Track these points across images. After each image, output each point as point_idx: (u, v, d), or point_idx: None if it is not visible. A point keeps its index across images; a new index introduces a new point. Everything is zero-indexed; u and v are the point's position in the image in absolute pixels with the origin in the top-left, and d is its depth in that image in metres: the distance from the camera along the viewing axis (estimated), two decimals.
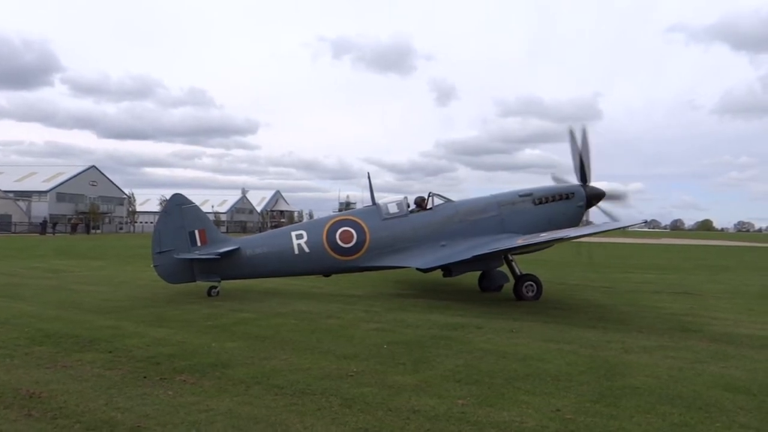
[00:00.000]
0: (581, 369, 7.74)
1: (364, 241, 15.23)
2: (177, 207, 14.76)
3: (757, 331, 10.92)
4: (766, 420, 5.80)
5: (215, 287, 14.73)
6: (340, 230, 15.18)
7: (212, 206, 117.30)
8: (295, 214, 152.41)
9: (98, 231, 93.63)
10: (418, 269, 15.16)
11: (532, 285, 15.07)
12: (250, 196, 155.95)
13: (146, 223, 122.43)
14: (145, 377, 7.18)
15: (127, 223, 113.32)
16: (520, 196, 16.28)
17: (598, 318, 12.10)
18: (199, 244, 14.57)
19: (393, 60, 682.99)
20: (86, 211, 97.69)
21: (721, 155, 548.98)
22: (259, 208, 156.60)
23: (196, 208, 15.07)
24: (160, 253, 14.47)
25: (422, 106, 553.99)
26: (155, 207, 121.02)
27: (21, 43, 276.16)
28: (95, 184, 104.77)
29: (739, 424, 5.68)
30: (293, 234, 15.22)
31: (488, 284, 16.63)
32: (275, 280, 16.64)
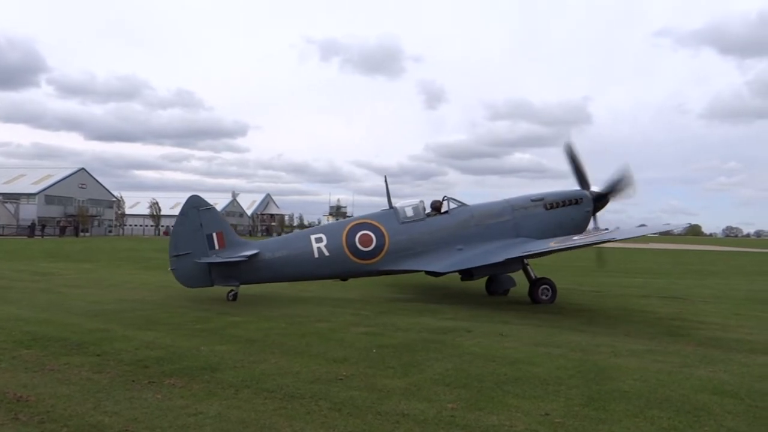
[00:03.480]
0: (570, 373, 7.76)
1: (384, 244, 15.09)
2: (194, 209, 14.40)
3: (745, 335, 10.99)
4: (753, 424, 5.84)
5: (233, 291, 14.42)
6: (359, 233, 15.02)
7: None
8: (286, 217, 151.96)
9: (87, 234, 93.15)
10: (430, 272, 15.26)
11: (547, 288, 15.30)
12: (240, 199, 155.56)
13: (135, 226, 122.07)
14: (133, 381, 7.14)
15: (116, 226, 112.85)
16: (532, 200, 16.43)
17: (587, 322, 12.15)
18: (216, 247, 14.21)
19: (381, 62, 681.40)
20: (75, 213, 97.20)
21: (709, 160, 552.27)
22: (249, 212, 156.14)
23: (214, 211, 14.76)
24: (176, 256, 14.14)
25: (411, 108, 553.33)
26: (145, 210, 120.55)
27: (6, 42, 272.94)
28: (84, 186, 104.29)
29: (727, 428, 5.71)
30: (312, 237, 14.97)
31: (496, 288, 16.76)
32: (265, 284, 16.56)
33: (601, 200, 16.95)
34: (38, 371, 7.56)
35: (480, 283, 16.70)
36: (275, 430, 5.55)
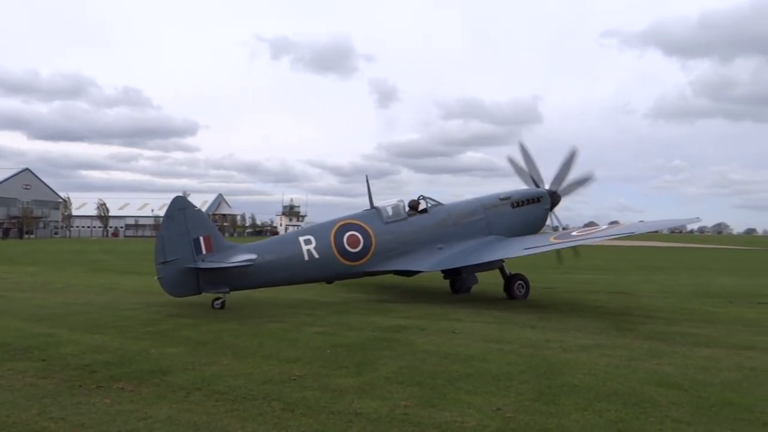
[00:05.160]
0: (521, 368, 7.87)
1: (370, 245, 14.96)
2: (181, 211, 13.25)
3: (689, 328, 11.31)
4: (697, 414, 6.01)
5: (219, 299, 13.49)
6: (347, 234, 14.80)
7: (152, 210, 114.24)
8: (238, 217, 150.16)
9: (32, 236, 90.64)
10: (407, 272, 15.42)
11: (522, 284, 15.81)
12: (191, 199, 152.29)
13: (83, 227, 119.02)
14: (80, 386, 6.98)
15: (62, 227, 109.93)
16: (501, 199, 16.93)
17: (538, 318, 12.34)
18: (204, 252, 13.19)
19: (333, 60, 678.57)
20: (19, 215, 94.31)
21: (654, 159, 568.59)
22: None
23: (201, 213, 13.86)
24: (164, 263, 12.94)
25: (364, 107, 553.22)
26: (92, 211, 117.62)
27: None
28: (29, 187, 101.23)
29: (671, 418, 5.86)
30: (301, 239, 14.51)
31: (460, 286, 16.98)
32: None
33: (555, 198, 17.55)
34: None
35: (436, 282, 16.82)
36: None
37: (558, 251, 16.43)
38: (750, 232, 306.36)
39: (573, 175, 17.69)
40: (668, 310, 13.97)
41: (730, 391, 6.82)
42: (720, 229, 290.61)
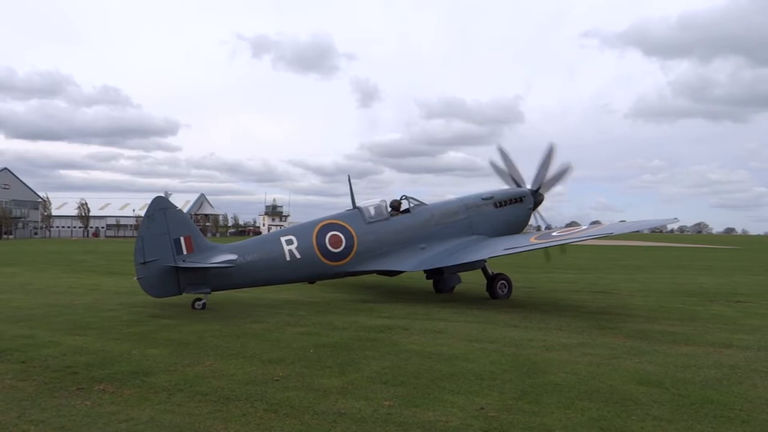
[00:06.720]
0: (504, 367, 7.91)
1: (353, 245, 14.96)
2: (161, 211, 13.12)
3: (669, 327, 11.42)
4: (677, 412, 6.07)
5: (200, 299, 13.39)
6: (329, 234, 14.78)
7: (133, 210, 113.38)
8: (220, 217, 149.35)
9: (11, 236, 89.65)
10: (391, 272, 15.44)
11: (504, 283, 15.92)
12: (173, 199, 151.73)
13: (63, 227, 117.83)
14: (61, 388, 6.91)
15: (42, 228, 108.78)
16: (483, 199, 17.03)
17: (520, 317, 12.40)
18: (185, 252, 13.11)
19: (314, 59, 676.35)
20: None
21: (634, 158, 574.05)
22: None
23: (181, 213, 13.73)
24: (144, 263, 12.80)
25: (345, 107, 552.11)
26: (72, 211, 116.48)
27: None
28: (7, 187, 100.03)
29: (652, 416, 5.92)
30: (283, 239, 14.46)
31: (443, 286, 16.99)
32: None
33: (538, 198, 17.72)
34: None
35: (419, 281, 16.80)
36: None
37: (545, 249, 16.45)
38: (729, 231, 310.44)
39: (552, 170, 17.84)
40: (649, 309, 14.08)
41: (710, 389, 6.90)
42: (699, 229, 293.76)
